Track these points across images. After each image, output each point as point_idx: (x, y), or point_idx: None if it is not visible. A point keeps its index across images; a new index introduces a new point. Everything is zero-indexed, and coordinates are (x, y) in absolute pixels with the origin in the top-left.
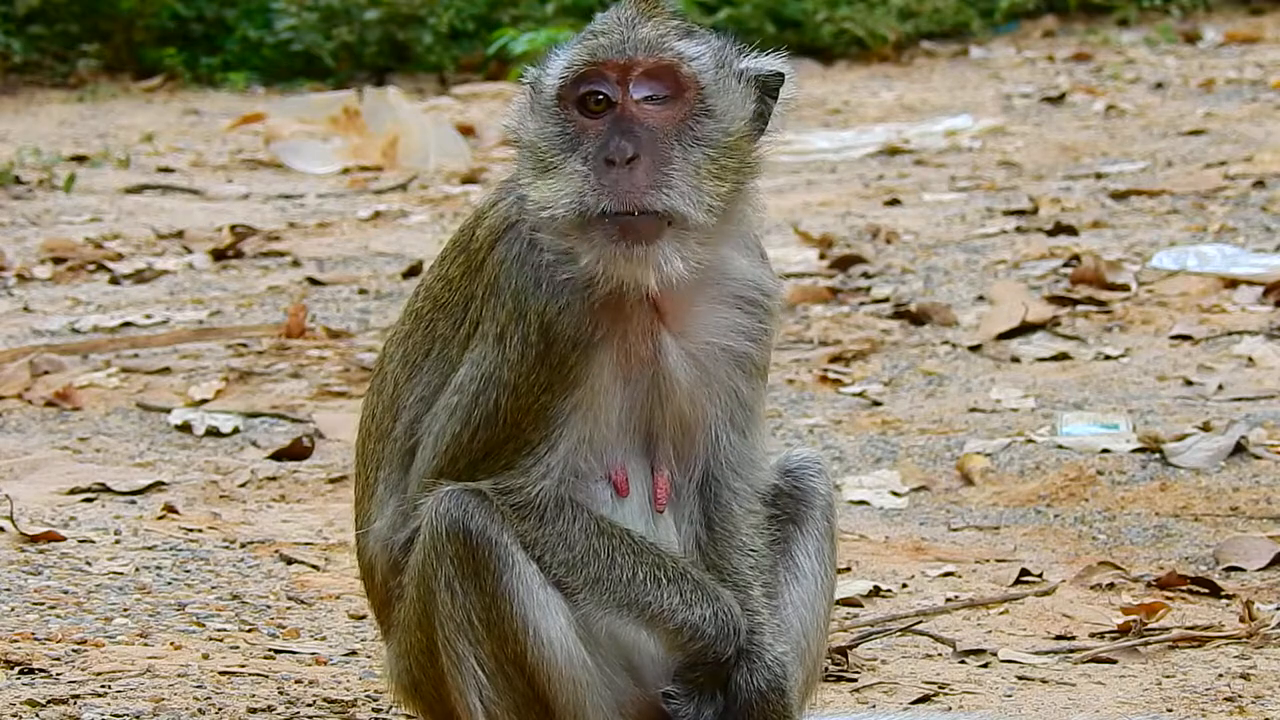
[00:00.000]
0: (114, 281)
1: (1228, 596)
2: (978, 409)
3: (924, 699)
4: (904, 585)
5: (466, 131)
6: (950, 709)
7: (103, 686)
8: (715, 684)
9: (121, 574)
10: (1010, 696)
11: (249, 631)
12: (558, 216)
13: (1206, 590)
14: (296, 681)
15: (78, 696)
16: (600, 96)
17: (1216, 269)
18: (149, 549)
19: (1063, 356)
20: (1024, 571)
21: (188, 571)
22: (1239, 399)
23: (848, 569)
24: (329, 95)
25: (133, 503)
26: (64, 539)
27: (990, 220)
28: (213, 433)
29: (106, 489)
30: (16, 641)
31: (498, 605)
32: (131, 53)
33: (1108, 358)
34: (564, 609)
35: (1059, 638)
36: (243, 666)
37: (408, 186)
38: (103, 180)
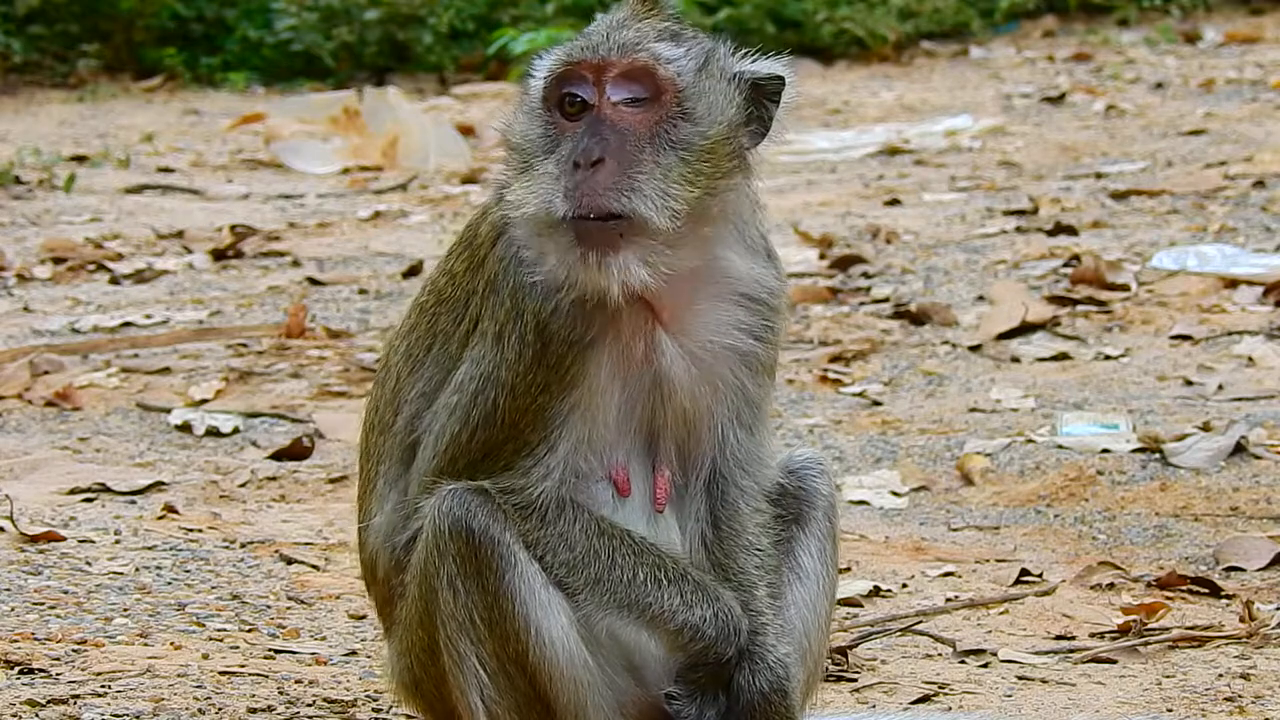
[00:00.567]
0: (114, 281)
1: (1228, 596)
2: (978, 409)
3: (924, 699)
4: (904, 585)
5: (466, 131)
6: (950, 709)
7: (103, 686)
8: (717, 685)
9: (121, 574)
10: (1010, 696)
11: (249, 631)
12: (525, 218)
13: (1206, 590)
14: (296, 681)
15: (78, 696)
16: (577, 99)
17: (1216, 269)
18: (149, 549)
19: (1063, 356)
20: (1024, 571)
21: (188, 571)
22: (1239, 399)
23: (848, 569)
24: (329, 95)
25: (133, 503)
26: (64, 539)
27: (990, 220)
28: (213, 433)
29: (106, 489)
30: (16, 641)
31: (500, 604)
32: (131, 53)
33: (1108, 358)
34: (566, 609)
35: (1059, 638)
36: (243, 666)
37: (408, 186)
38: (103, 180)
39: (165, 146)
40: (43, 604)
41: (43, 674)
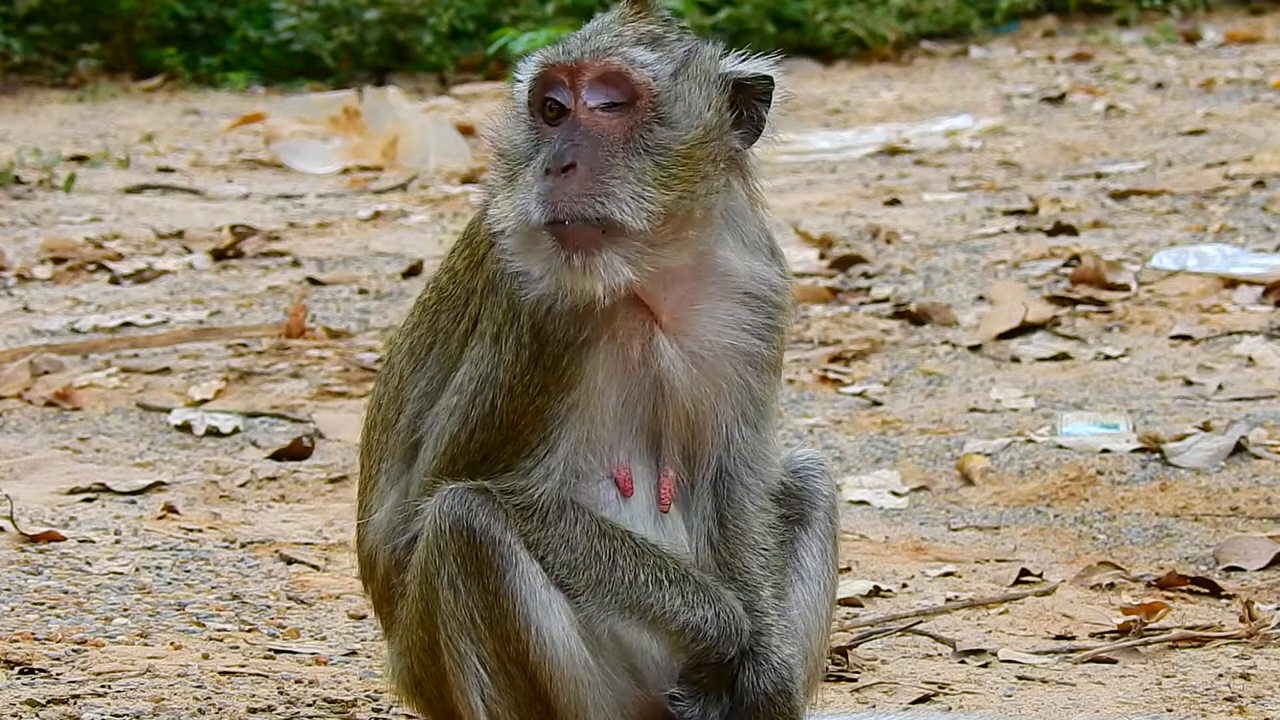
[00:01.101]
0: (114, 281)
1: (1228, 596)
2: (978, 409)
3: (924, 699)
4: (904, 585)
5: (466, 131)
6: (950, 709)
7: (103, 686)
8: (720, 686)
9: (121, 574)
10: (1010, 696)
11: (249, 631)
12: (506, 230)
13: (1206, 590)
14: (296, 681)
15: (78, 696)
16: (555, 104)
17: (1216, 269)
18: (149, 549)
19: (1063, 356)
20: (1024, 571)
21: (188, 571)
22: (1239, 399)
23: (848, 569)
24: (329, 95)
25: (133, 503)
26: (64, 539)
27: (990, 220)
28: (213, 433)
29: (106, 489)
30: (16, 641)
31: (500, 604)
32: (131, 53)
33: (1108, 358)
34: (566, 608)
35: (1059, 638)
36: (243, 666)
37: (408, 186)
38: (103, 180)
39: (165, 146)
40: (43, 604)
41: (43, 674)
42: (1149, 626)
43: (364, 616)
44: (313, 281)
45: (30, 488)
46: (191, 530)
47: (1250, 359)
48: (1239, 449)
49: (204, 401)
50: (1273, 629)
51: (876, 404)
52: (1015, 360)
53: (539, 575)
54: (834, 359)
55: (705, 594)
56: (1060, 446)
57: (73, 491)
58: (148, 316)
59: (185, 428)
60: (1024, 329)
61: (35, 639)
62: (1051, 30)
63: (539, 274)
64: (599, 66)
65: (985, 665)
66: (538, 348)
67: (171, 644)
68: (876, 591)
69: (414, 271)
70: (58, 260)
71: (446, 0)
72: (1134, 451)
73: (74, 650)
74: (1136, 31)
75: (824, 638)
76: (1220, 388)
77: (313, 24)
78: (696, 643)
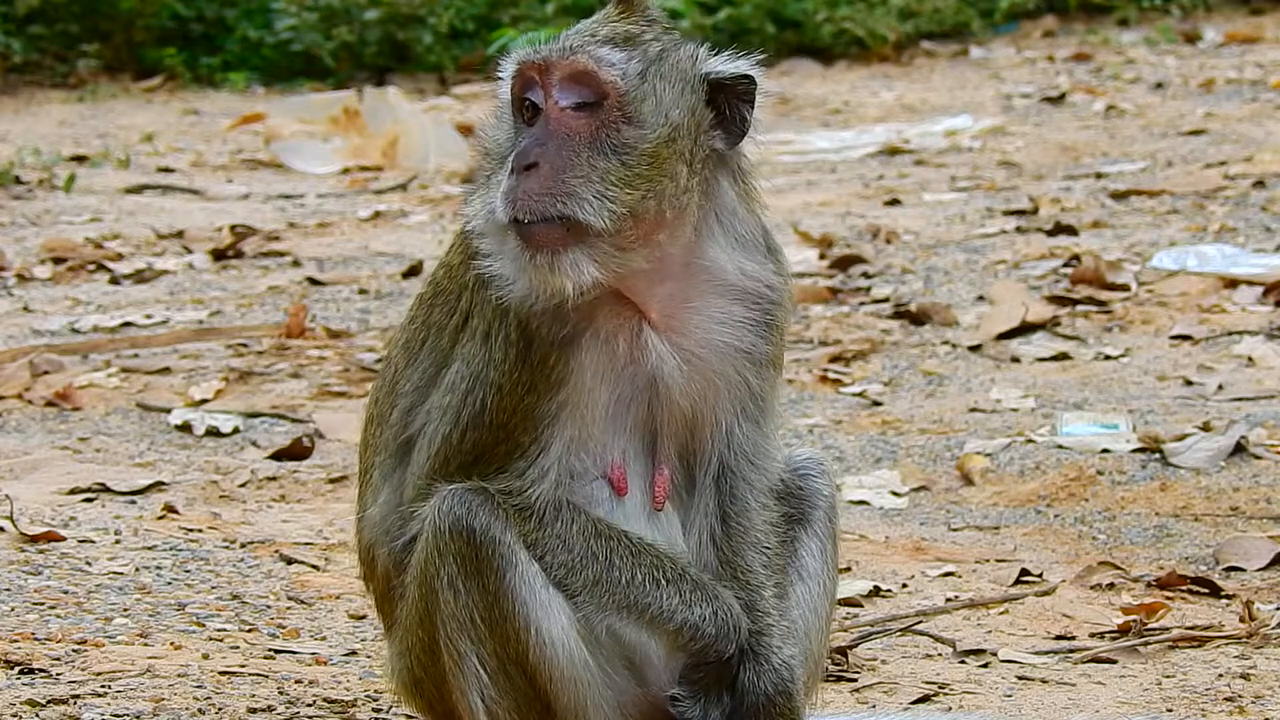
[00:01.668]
0: (114, 281)
1: (1228, 596)
2: (978, 409)
3: (924, 699)
4: (904, 585)
5: (466, 131)
6: (950, 709)
7: (103, 686)
8: (720, 685)
9: (121, 574)
10: (1010, 696)
11: (249, 631)
12: (476, 229)
13: (1206, 590)
14: (296, 681)
15: (78, 696)
16: (530, 103)
17: (1216, 269)
18: (149, 549)
19: (1063, 356)
20: (1024, 571)
21: (188, 571)
22: (1239, 399)
23: (848, 569)
24: (329, 95)
25: (133, 503)
26: (64, 539)
27: (990, 220)
28: (213, 433)
29: (106, 489)
30: (16, 641)
31: (500, 604)
32: (131, 53)
33: (1108, 358)
34: (566, 609)
35: (1059, 638)
36: (243, 666)
37: (408, 186)
38: (103, 180)
39: (165, 146)
40: (43, 604)
41: (43, 674)
42: (1149, 626)
43: (364, 616)
44: (313, 281)
45: (30, 488)
46: (191, 530)
47: (1250, 359)
48: (1239, 449)
49: (204, 401)
50: (1273, 629)
51: (876, 404)
52: (1015, 360)
53: (538, 576)
54: (834, 359)
55: (702, 593)
56: (1060, 446)
57: (73, 491)
58: (148, 316)
59: (185, 428)
60: (1024, 329)
61: (35, 639)
62: (1051, 30)
63: (509, 273)
64: (565, 65)
65: (985, 665)
66: (524, 346)
67: (171, 644)
68: (876, 591)
69: (414, 271)
70: (58, 260)
71: (446, 0)
72: (1134, 451)
73: (74, 650)
74: (1136, 31)
75: (824, 638)
76: (1220, 388)
77: (313, 24)
78: (694, 641)
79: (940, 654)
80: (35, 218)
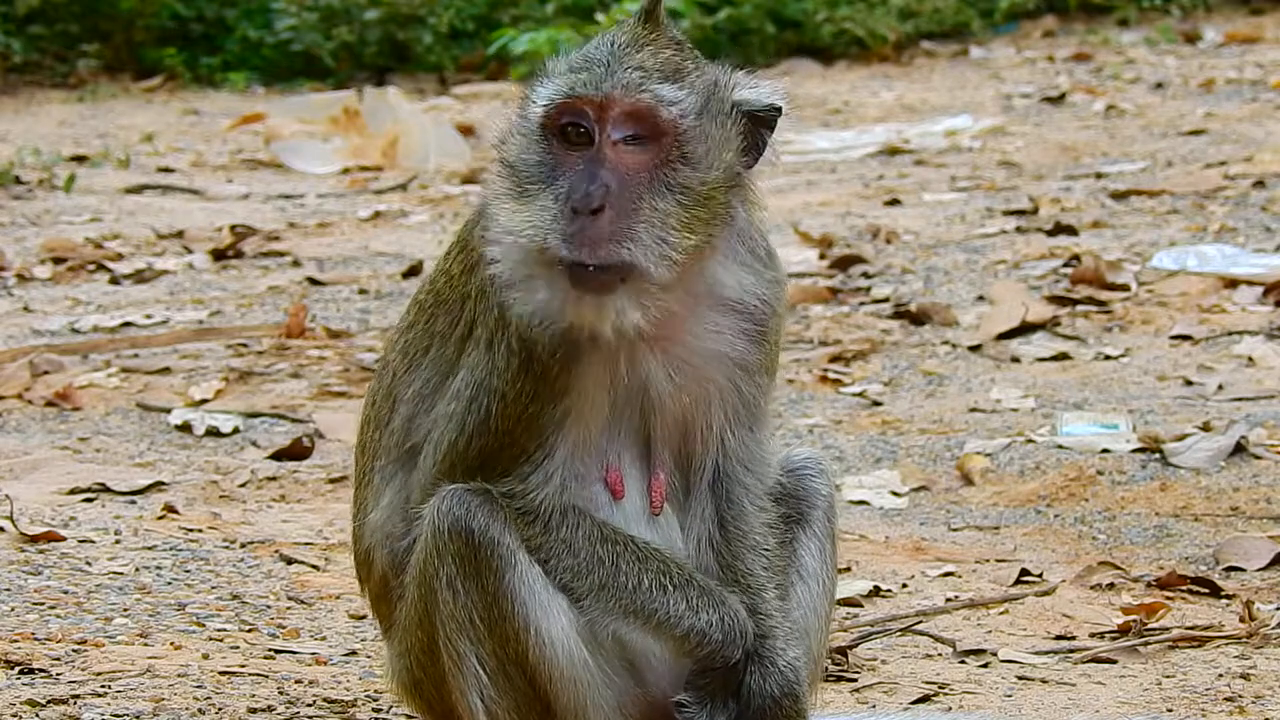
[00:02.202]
0: (114, 281)
1: (1228, 596)
2: (978, 409)
3: (924, 699)
4: (904, 585)
5: (466, 131)
6: (950, 709)
7: (103, 686)
8: (727, 690)
9: (121, 574)
10: (1010, 696)
11: (249, 631)
12: (520, 247)
13: (1206, 590)
14: (296, 681)
15: (78, 696)
16: (581, 129)
17: (1216, 269)
18: (149, 549)
19: (1063, 356)
20: (1024, 571)
21: (188, 571)
22: (1239, 399)
23: (848, 569)
24: (329, 95)
25: (133, 503)
26: (64, 539)
27: (990, 220)
28: (213, 433)
29: (106, 489)
30: (16, 641)
31: (499, 605)
32: (131, 53)
33: (1108, 358)
34: (566, 609)
35: (1059, 638)
36: (243, 666)
37: (408, 186)
38: (103, 180)
39: (165, 146)
40: (43, 604)
41: (43, 674)
42: (1149, 626)
43: (364, 616)
44: (313, 281)
45: (30, 488)
46: (191, 530)
47: (1250, 359)
48: (1239, 449)
49: (204, 401)
50: (1273, 629)
51: (876, 404)
52: (1015, 360)
53: (538, 576)
54: (834, 359)
55: (709, 598)
56: (1060, 446)
57: (73, 491)
58: (148, 316)
59: (185, 428)
60: (1024, 329)
61: (35, 639)
62: (1051, 30)
63: (543, 299)
64: (630, 103)
65: (985, 665)
66: (526, 356)
67: (171, 644)
68: (876, 591)
69: (414, 271)
70: (58, 260)
71: (446, 0)
72: (1134, 451)
73: (74, 650)
74: (1136, 31)
75: (824, 638)
76: (1220, 388)
77: (313, 24)
78: (701, 647)
79: (940, 654)
80: (35, 218)
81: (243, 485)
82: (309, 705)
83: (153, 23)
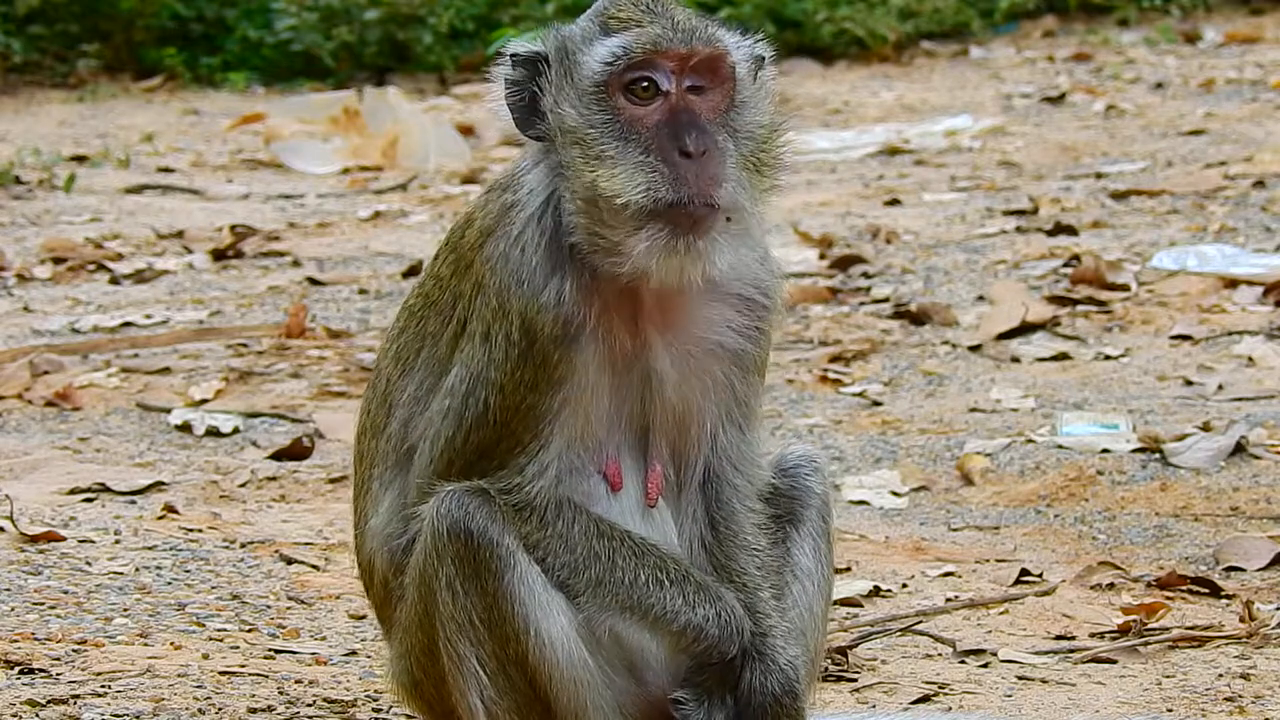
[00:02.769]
0: (114, 281)
1: (1228, 596)
2: (978, 409)
3: (924, 699)
4: (904, 585)
5: (466, 131)
6: (950, 709)
7: (103, 686)
8: (724, 687)
9: (121, 574)
10: (1010, 696)
11: (249, 631)
12: (630, 205)
13: (1206, 590)
14: (296, 681)
15: (78, 696)
16: (649, 84)
17: (1216, 269)
18: (149, 549)
19: (1063, 356)
20: (1024, 571)
21: (188, 571)
22: (1239, 399)
23: (848, 569)
24: (329, 95)
25: (133, 503)
26: (64, 539)
27: (990, 220)
28: (213, 433)
29: (106, 489)
30: (16, 641)
31: (499, 605)
32: (131, 53)
33: (1108, 358)
34: (565, 609)
35: (1059, 638)
36: (243, 666)
37: (408, 186)
38: (103, 180)
39: (165, 146)
40: (43, 604)
41: (43, 674)
42: (1149, 626)
43: (364, 616)
44: (313, 281)
45: (30, 488)
46: (191, 530)
47: (1250, 359)
48: (1239, 449)
49: (204, 401)
50: (1273, 629)
51: (876, 404)
52: (1015, 360)
53: (538, 577)
54: (834, 359)
55: (706, 593)
56: (1060, 446)
57: (73, 491)
58: (148, 316)
59: (185, 428)
60: (1024, 329)
61: (35, 639)
62: (1051, 30)
63: (641, 253)
64: (707, 51)
65: (985, 665)
66: (527, 344)
67: (171, 644)
68: (876, 591)
69: (414, 271)
70: (58, 260)
71: (446, 0)
72: (1134, 451)
73: (74, 650)
74: (1136, 31)
75: (820, 636)
76: (1220, 388)
77: (313, 24)
78: (698, 643)
79: (940, 654)
80: (35, 218)
81: (243, 485)
82: (309, 705)
83: (153, 23)
